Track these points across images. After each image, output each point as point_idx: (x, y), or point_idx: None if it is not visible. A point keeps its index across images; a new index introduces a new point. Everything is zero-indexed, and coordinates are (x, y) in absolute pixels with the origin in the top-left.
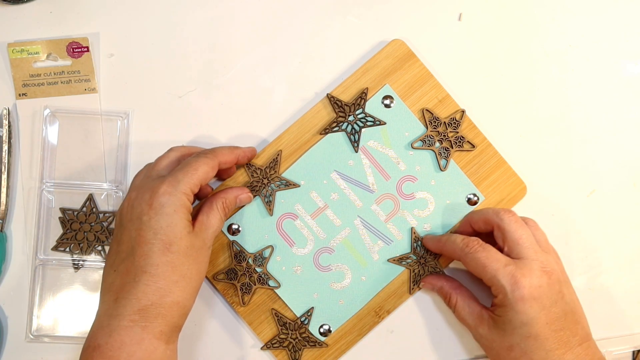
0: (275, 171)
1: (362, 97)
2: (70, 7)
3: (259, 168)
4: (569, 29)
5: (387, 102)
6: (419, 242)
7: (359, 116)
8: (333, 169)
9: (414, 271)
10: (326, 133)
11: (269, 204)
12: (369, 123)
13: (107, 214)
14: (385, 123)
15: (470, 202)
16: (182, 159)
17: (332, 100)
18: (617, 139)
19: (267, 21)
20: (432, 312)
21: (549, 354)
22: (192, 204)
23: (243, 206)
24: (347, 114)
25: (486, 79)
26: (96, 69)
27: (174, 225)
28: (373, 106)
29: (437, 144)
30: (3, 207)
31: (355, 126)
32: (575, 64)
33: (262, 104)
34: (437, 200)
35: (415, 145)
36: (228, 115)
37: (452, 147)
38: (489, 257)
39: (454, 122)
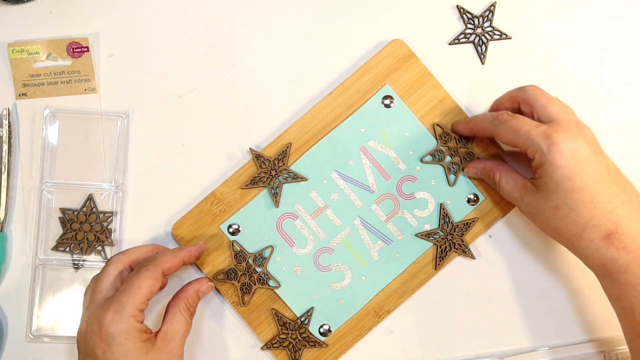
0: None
1: (285, 153)
2: (70, 7)
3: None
4: (566, 27)
5: (387, 102)
6: (447, 219)
7: (282, 172)
8: (333, 169)
9: (440, 247)
10: (248, 188)
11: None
12: (290, 179)
13: (107, 214)
14: (307, 179)
15: (470, 201)
16: (124, 271)
17: (256, 156)
18: (617, 138)
19: (267, 21)
20: (432, 312)
21: (597, 207)
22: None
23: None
24: (270, 170)
25: (487, 79)
26: (96, 69)
27: (130, 353)
28: (373, 106)
29: (447, 159)
30: (3, 207)
31: (277, 181)
32: (573, 63)
33: (261, 104)
34: (437, 200)
35: (425, 159)
36: (228, 115)
37: (462, 164)
38: (519, 122)
39: (465, 138)
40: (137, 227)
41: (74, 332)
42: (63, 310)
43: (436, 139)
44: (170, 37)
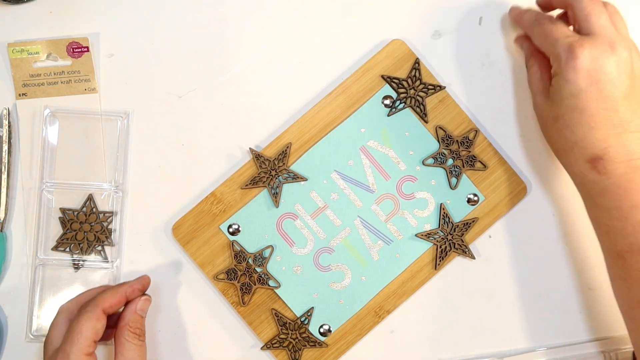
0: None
1: (285, 153)
2: (70, 7)
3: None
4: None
5: (387, 102)
6: (447, 219)
7: (282, 172)
8: (333, 169)
9: (440, 247)
10: (248, 188)
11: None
12: (290, 179)
13: (107, 214)
14: (307, 179)
15: (470, 201)
16: (71, 317)
17: (256, 156)
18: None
19: (267, 21)
20: (432, 312)
21: (592, 131)
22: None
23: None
24: (270, 170)
25: (486, 79)
26: (96, 69)
27: None
28: (373, 106)
29: (449, 162)
30: (3, 207)
31: (277, 181)
32: None
33: (261, 104)
34: (437, 201)
35: (427, 162)
36: (228, 115)
37: (464, 166)
38: (553, 29)
39: (467, 141)
40: (137, 227)
41: None
42: None
43: (438, 142)
44: (171, 37)
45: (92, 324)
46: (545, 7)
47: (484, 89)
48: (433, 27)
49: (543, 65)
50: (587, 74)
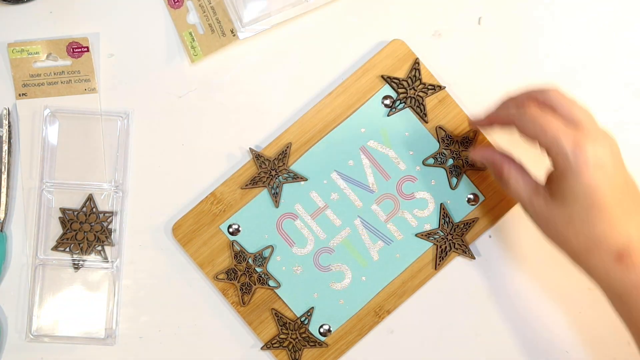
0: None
1: (285, 153)
2: (70, 7)
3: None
4: (568, 29)
5: (387, 102)
6: (447, 219)
7: (282, 172)
8: (333, 169)
9: (440, 247)
10: (248, 188)
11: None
12: (290, 179)
13: (107, 214)
14: (307, 179)
15: (470, 201)
16: None
17: (256, 156)
18: (617, 139)
19: (267, 21)
20: (432, 312)
21: (612, 225)
22: None
23: None
24: (270, 170)
25: (487, 79)
26: (96, 69)
27: None
28: (373, 106)
29: (449, 162)
30: (3, 207)
31: (277, 181)
32: (574, 63)
33: (261, 104)
34: (437, 200)
35: (427, 162)
36: (228, 115)
37: (464, 166)
38: (548, 120)
39: (467, 141)
40: (137, 227)
41: (74, 332)
42: (63, 310)
43: (438, 142)
44: (170, 37)
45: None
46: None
47: (484, 89)
48: (433, 27)
49: (519, 170)
50: (597, 167)
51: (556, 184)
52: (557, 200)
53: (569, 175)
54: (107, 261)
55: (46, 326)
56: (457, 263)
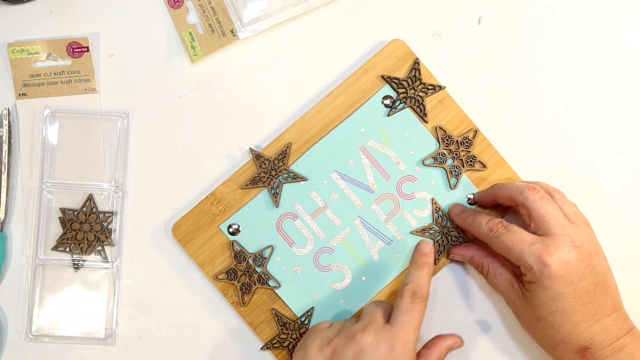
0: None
1: (285, 153)
2: (70, 7)
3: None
4: (568, 29)
5: (387, 102)
6: (440, 213)
7: (282, 172)
8: (333, 169)
9: (437, 241)
10: (248, 188)
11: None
12: (290, 179)
13: (107, 214)
14: (307, 179)
15: (470, 202)
16: None
17: (256, 156)
18: (617, 139)
19: (267, 21)
20: (432, 313)
21: (576, 327)
22: None
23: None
24: (269, 170)
25: (487, 79)
26: (96, 69)
27: None
28: (373, 106)
29: (449, 162)
30: (3, 207)
31: (277, 181)
32: (574, 64)
33: (261, 104)
34: (437, 201)
35: (427, 162)
36: (228, 115)
37: (463, 167)
38: (513, 239)
39: (467, 141)
40: (137, 227)
41: (74, 332)
42: (63, 310)
43: (438, 142)
44: (170, 37)
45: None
46: (486, 204)
47: (484, 89)
48: (433, 27)
49: (498, 264)
50: (562, 279)
51: (527, 288)
52: (527, 301)
53: (536, 286)
54: (107, 261)
55: (46, 326)
56: (457, 263)
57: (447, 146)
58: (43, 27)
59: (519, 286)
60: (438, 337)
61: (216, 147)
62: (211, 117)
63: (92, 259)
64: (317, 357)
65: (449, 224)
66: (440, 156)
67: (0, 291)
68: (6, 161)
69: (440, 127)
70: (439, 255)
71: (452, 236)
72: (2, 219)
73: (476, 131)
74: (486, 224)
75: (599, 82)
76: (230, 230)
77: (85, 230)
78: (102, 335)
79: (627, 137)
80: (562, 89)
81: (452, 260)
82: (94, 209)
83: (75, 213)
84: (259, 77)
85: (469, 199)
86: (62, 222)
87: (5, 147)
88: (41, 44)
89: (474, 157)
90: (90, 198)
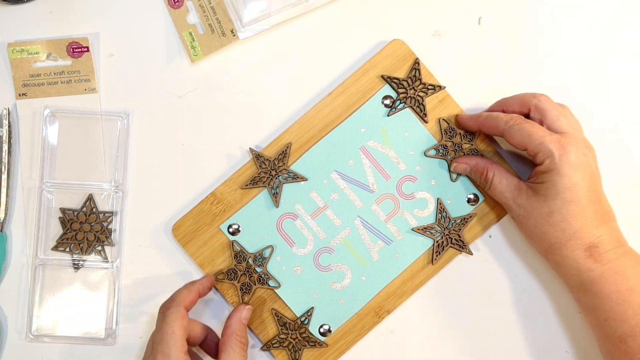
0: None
1: (285, 153)
2: (70, 7)
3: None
4: (568, 29)
5: (387, 102)
6: (444, 214)
7: (282, 172)
8: (333, 169)
9: (437, 241)
10: (248, 188)
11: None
12: (290, 179)
13: (107, 214)
14: (307, 179)
15: (470, 201)
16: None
17: (256, 156)
18: (617, 139)
19: (267, 21)
20: (432, 312)
21: (587, 222)
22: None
23: None
24: (270, 170)
25: (487, 79)
26: (96, 69)
27: None
28: (373, 106)
29: (450, 155)
30: (3, 207)
31: (277, 181)
32: (575, 64)
33: (261, 104)
34: (436, 199)
35: (429, 153)
36: (228, 115)
37: None
38: (534, 127)
39: (470, 135)
40: (137, 227)
41: (74, 332)
42: (63, 310)
43: (441, 134)
44: (170, 37)
45: (181, 323)
46: (503, 109)
47: (484, 89)
48: (433, 27)
49: (501, 171)
50: (579, 168)
51: (540, 180)
52: (539, 196)
53: (554, 174)
54: (107, 261)
55: (46, 326)
56: (457, 263)
57: (450, 138)
58: (43, 27)
59: (527, 186)
60: (229, 317)
61: (216, 147)
62: (211, 117)
63: (92, 259)
64: None
65: (451, 225)
66: (442, 148)
67: (0, 291)
68: (6, 161)
69: (443, 119)
70: (437, 255)
71: (453, 238)
72: (2, 219)
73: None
74: (505, 115)
75: (599, 82)
76: (230, 230)
77: (85, 230)
78: (102, 335)
79: (627, 137)
80: (562, 88)
81: (456, 173)
82: (94, 209)
83: (75, 213)
84: (259, 77)
85: (469, 199)
86: (62, 222)
87: (5, 147)
88: (41, 44)
89: (477, 150)
90: (90, 198)
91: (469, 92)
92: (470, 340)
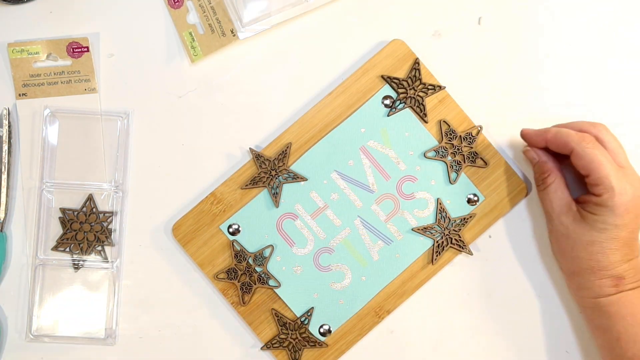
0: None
1: (285, 153)
2: (70, 7)
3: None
4: (568, 29)
5: (387, 102)
6: (444, 214)
7: (282, 172)
8: (333, 169)
9: (437, 241)
10: (248, 188)
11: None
12: (289, 179)
13: (107, 214)
14: (307, 179)
15: (470, 202)
16: None
17: (256, 156)
18: (618, 138)
19: (267, 21)
20: (432, 312)
21: (622, 257)
22: None
23: None
24: (269, 170)
25: (487, 79)
26: (96, 69)
27: None
28: (373, 106)
29: (450, 157)
30: (3, 207)
31: (277, 181)
32: (575, 63)
33: (261, 104)
34: (436, 199)
35: (428, 155)
36: (228, 115)
37: (465, 162)
38: (605, 157)
39: (470, 137)
40: (137, 227)
41: (74, 332)
42: (63, 310)
43: (441, 136)
44: (170, 37)
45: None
46: (534, 142)
47: (484, 89)
48: (433, 27)
49: (562, 182)
50: (632, 210)
51: (592, 211)
52: (586, 224)
53: (608, 210)
54: (107, 261)
55: (46, 326)
56: (457, 263)
57: (449, 140)
58: (43, 27)
59: (577, 209)
60: None
61: (216, 147)
62: (211, 117)
63: (92, 259)
64: None
65: (451, 225)
66: (442, 149)
67: (0, 291)
68: (6, 161)
69: (444, 121)
70: (437, 255)
71: (453, 239)
72: (2, 219)
73: (480, 128)
74: (576, 134)
75: (599, 82)
76: (230, 230)
77: (85, 230)
78: (102, 335)
79: (627, 136)
80: (563, 88)
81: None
82: (94, 209)
83: (75, 213)
84: (259, 77)
85: (469, 199)
86: (62, 222)
87: (5, 147)
88: (41, 44)
89: (476, 153)
90: (90, 198)
91: (469, 92)
92: (470, 340)
